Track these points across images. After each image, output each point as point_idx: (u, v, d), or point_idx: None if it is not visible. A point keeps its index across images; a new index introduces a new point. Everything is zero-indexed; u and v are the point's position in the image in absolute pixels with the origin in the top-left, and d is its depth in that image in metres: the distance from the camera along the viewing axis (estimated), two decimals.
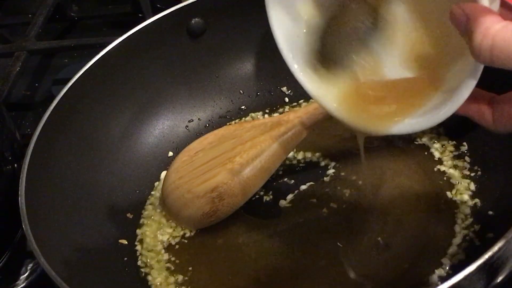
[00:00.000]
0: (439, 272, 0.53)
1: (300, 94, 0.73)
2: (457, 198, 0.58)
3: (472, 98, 0.45)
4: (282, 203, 0.63)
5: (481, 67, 0.41)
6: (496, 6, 0.41)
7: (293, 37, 0.50)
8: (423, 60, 0.49)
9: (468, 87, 0.42)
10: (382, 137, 0.64)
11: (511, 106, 0.44)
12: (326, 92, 0.50)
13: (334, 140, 0.67)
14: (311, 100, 0.71)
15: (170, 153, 0.70)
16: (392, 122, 0.47)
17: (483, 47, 0.38)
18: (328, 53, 0.50)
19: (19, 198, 0.55)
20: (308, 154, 0.66)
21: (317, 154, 0.66)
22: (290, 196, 0.63)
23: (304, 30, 0.50)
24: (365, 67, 0.49)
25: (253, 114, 0.73)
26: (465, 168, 0.61)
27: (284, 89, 0.74)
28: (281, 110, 0.73)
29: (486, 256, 0.42)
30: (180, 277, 0.58)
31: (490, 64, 0.39)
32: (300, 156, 0.66)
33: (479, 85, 0.43)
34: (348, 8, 0.49)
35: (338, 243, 0.57)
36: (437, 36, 0.47)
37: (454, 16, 0.40)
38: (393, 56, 0.49)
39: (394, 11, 0.49)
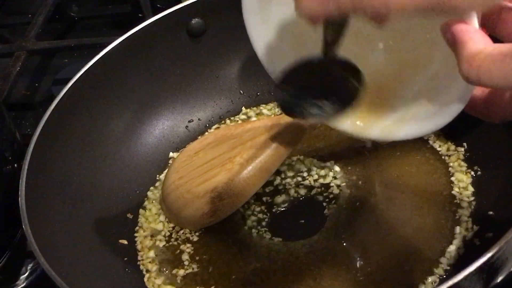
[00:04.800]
0: (439, 272, 0.53)
1: None
2: (457, 198, 0.58)
3: None
4: (282, 203, 0.63)
5: (471, 89, 0.41)
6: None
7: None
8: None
9: (458, 107, 0.42)
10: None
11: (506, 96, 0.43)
12: None
13: (334, 140, 0.67)
14: None
15: (170, 153, 0.70)
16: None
17: (470, 74, 0.37)
18: None
19: (19, 198, 0.55)
20: (308, 155, 0.66)
21: (317, 154, 0.66)
22: (290, 197, 0.63)
23: None
24: None
25: (253, 114, 0.73)
26: (465, 168, 0.61)
27: None
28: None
29: (486, 256, 0.42)
30: (179, 278, 0.58)
31: (478, 85, 0.38)
32: (300, 157, 0.66)
33: None
34: None
35: (342, 242, 0.57)
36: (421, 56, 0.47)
37: (443, 34, 0.39)
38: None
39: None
